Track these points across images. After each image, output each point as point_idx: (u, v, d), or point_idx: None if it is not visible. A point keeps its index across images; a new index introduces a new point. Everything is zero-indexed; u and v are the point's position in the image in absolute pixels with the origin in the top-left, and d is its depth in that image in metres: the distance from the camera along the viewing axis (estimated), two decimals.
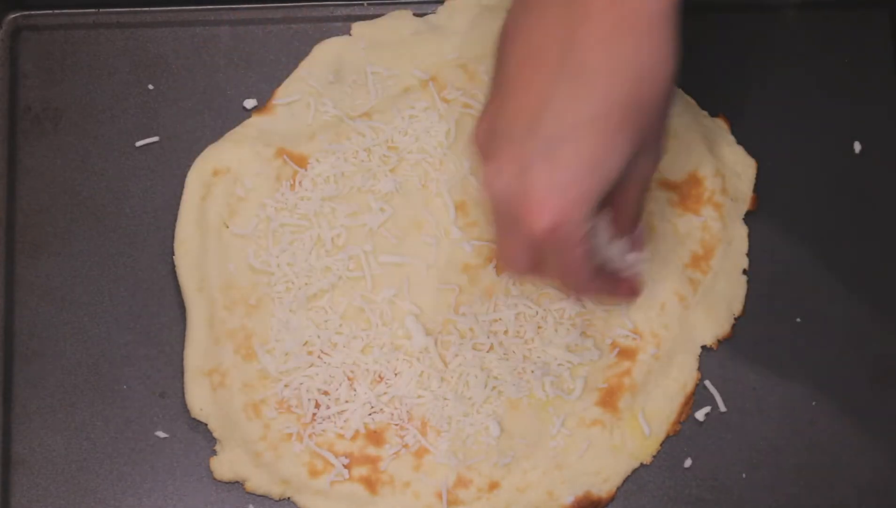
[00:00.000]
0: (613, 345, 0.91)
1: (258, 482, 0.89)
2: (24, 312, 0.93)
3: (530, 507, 0.89)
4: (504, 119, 0.75)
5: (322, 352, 0.90)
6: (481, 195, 0.76)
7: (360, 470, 0.89)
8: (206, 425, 0.90)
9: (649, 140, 0.75)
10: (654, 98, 0.73)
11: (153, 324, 0.93)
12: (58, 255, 0.94)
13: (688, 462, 0.91)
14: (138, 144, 0.96)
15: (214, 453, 0.90)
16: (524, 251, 0.76)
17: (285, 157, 0.93)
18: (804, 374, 0.92)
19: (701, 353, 0.92)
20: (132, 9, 0.98)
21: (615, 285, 0.84)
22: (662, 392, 0.91)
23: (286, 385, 0.90)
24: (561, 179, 0.72)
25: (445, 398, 0.89)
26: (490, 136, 0.76)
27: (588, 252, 0.77)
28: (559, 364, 0.90)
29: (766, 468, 0.91)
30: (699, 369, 0.92)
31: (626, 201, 0.79)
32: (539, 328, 0.90)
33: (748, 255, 0.94)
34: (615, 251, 0.82)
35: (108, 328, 0.93)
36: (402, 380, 0.89)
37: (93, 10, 0.98)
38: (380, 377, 0.90)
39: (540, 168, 0.72)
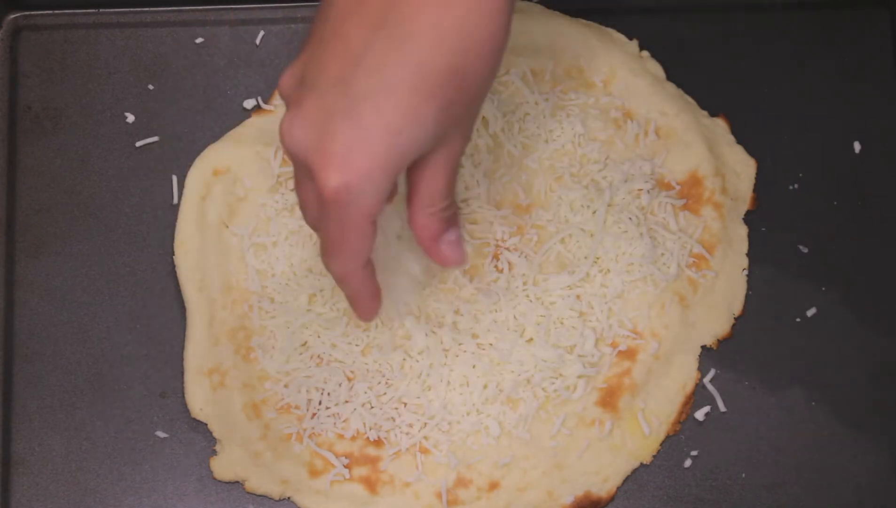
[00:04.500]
0: (613, 345, 0.91)
1: (258, 482, 0.89)
2: (24, 312, 0.93)
3: (530, 507, 0.89)
4: (315, 68, 0.70)
5: (322, 352, 0.90)
6: (281, 142, 0.72)
7: (360, 470, 0.89)
8: (206, 425, 0.90)
9: (462, 117, 0.70)
10: (476, 73, 0.69)
11: (153, 324, 0.93)
12: (58, 255, 0.94)
13: (688, 462, 0.91)
14: (138, 144, 0.96)
15: (214, 453, 0.90)
16: (313, 204, 0.72)
17: (285, 157, 0.93)
18: (804, 374, 0.92)
19: (701, 353, 0.92)
20: (132, 9, 0.98)
21: (372, 291, 0.79)
22: (662, 392, 0.91)
23: (286, 385, 0.89)
24: (358, 139, 0.68)
25: (445, 398, 0.89)
26: (298, 82, 0.72)
27: (369, 232, 0.72)
28: (559, 364, 0.90)
29: (766, 468, 0.91)
30: (699, 369, 0.92)
31: (430, 185, 0.73)
32: (539, 327, 0.90)
33: (748, 255, 0.94)
34: (407, 258, 0.78)
35: (108, 328, 0.93)
36: (403, 380, 0.89)
37: (93, 10, 0.98)
38: (380, 376, 0.89)
39: (340, 124, 0.68)
